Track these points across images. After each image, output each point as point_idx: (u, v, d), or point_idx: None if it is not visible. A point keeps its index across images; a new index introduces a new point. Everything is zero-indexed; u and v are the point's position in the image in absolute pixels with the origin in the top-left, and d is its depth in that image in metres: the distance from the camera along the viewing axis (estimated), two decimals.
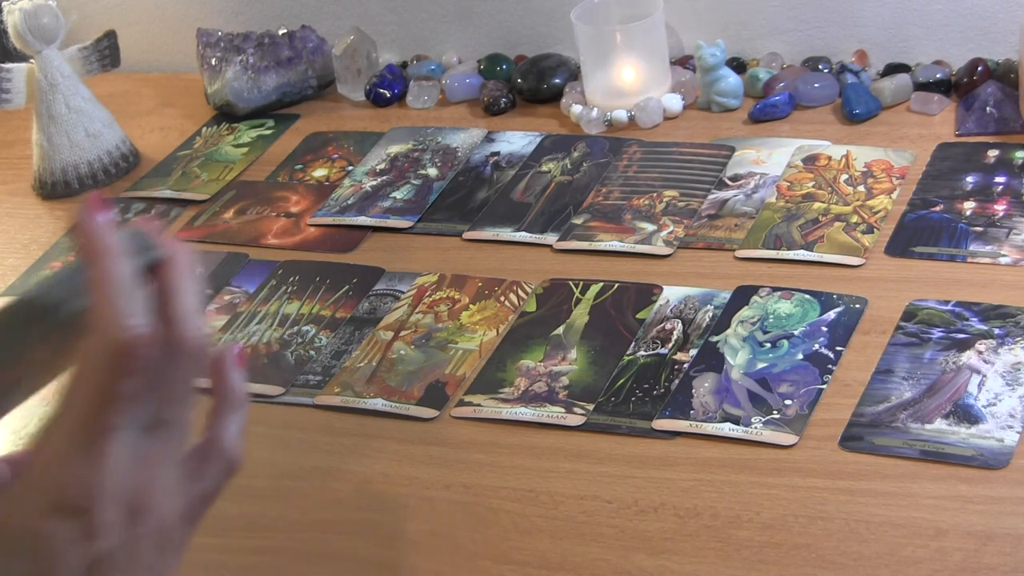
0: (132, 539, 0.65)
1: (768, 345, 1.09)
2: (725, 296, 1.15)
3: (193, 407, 0.68)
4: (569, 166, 1.37)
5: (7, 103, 1.49)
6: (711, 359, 1.09)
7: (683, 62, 1.48)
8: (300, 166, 1.47)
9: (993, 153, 1.26)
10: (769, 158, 1.31)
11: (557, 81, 1.49)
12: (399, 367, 1.15)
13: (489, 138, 1.44)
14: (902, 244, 1.17)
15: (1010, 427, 0.97)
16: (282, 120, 1.56)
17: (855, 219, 1.21)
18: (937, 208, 1.20)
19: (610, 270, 1.22)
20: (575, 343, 1.14)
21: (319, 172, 1.45)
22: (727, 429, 1.02)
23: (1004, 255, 1.13)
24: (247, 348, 1.20)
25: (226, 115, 1.58)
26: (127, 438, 0.65)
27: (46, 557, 0.64)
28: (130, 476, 0.65)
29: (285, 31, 1.59)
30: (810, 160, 1.30)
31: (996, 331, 1.05)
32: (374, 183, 1.40)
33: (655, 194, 1.29)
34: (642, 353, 1.11)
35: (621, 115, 1.41)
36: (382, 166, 1.43)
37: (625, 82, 1.42)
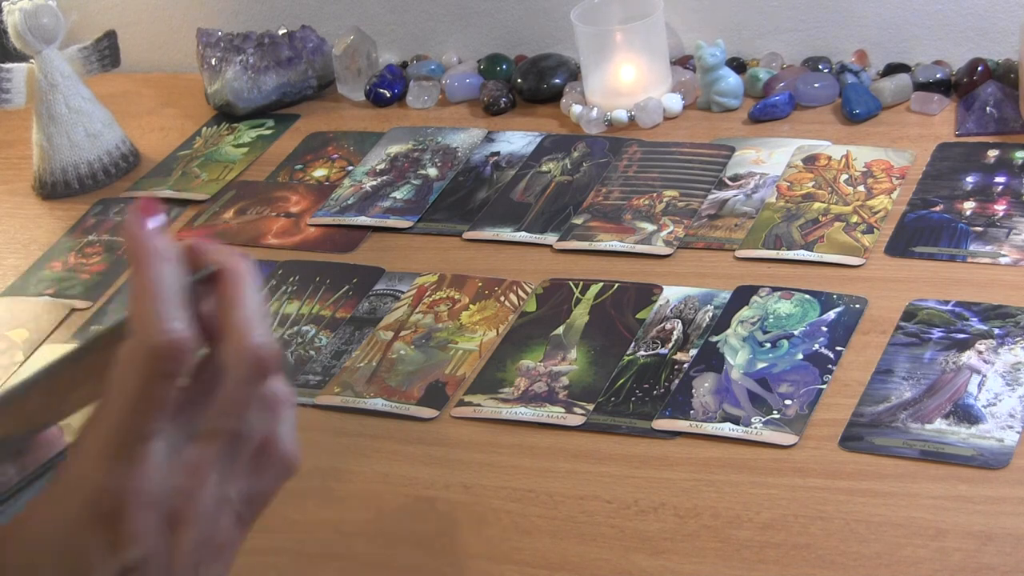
0: (170, 548, 0.63)
1: (768, 345, 1.09)
2: (725, 296, 1.15)
3: (255, 419, 0.66)
4: (569, 166, 1.36)
5: (7, 103, 1.49)
6: (711, 359, 1.08)
7: (683, 62, 1.48)
8: (300, 166, 1.47)
9: (993, 153, 1.26)
10: (769, 158, 1.31)
11: (557, 81, 1.49)
12: (399, 367, 1.15)
13: (489, 138, 1.44)
14: (902, 244, 1.17)
15: (1010, 427, 0.97)
16: (282, 120, 1.56)
17: (855, 219, 1.21)
18: (937, 208, 1.20)
19: (610, 270, 1.22)
20: (575, 343, 1.14)
21: (319, 172, 1.45)
22: (727, 429, 1.02)
23: (1004, 255, 1.13)
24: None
25: (226, 115, 1.58)
26: (168, 446, 0.63)
27: (78, 565, 0.62)
28: (172, 485, 0.63)
29: (285, 31, 1.59)
30: (810, 160, 1.30)
31: (996, 331, 1.05)
32: (374, 183, 1.40)
33: (655, 194, 1.29)
34: (642, 353, 1.11)
35: (621, 115, 1.41)
36: (382, 166, 1.43)
37: (625, 82, 1.42)
